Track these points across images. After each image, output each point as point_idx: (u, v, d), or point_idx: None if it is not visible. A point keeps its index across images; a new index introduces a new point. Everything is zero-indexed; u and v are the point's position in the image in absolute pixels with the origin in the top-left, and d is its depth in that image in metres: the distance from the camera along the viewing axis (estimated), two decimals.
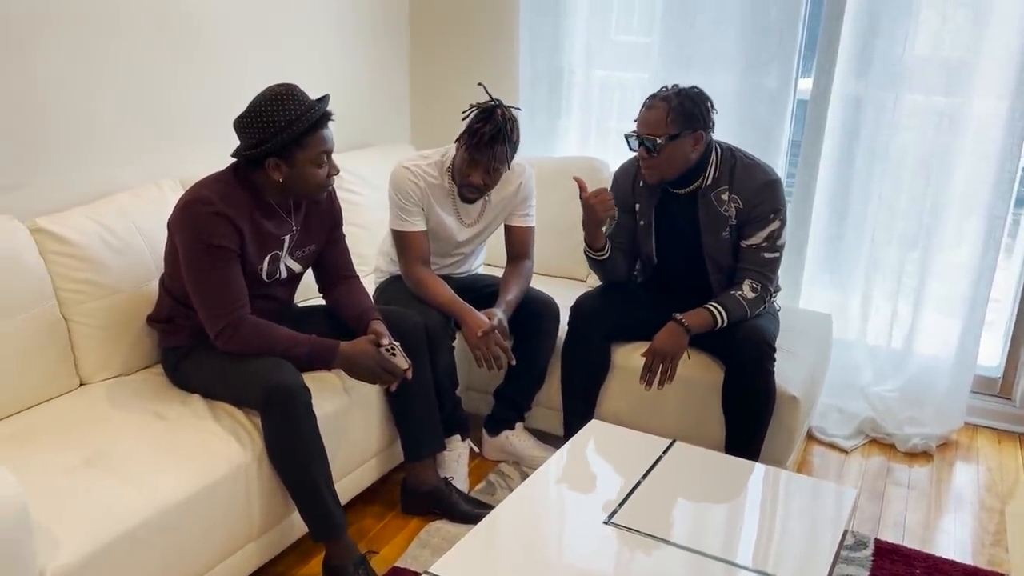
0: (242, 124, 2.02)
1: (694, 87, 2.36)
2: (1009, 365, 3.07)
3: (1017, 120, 2.72)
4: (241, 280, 2.05)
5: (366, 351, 2.10)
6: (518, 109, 2.49)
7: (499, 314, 2.44)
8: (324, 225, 2.29)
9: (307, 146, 2.01)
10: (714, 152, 2.42)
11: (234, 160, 2.10)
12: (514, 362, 2.44)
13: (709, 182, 2.41)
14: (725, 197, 2.40)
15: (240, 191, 2.05)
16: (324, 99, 2.06)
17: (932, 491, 2.70)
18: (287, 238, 2.17)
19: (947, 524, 2.52)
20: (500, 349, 2.39)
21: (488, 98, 2.42)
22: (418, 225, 2.52)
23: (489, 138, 2.34)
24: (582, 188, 2.41)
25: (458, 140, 2.44)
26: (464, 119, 2.42)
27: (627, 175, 2.58)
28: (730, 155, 2.43)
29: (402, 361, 2.13)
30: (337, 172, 2.12)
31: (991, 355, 3.13)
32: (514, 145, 2.42)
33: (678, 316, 2.36)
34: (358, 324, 2.25)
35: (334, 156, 2.12)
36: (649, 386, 2.37)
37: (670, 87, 2.36)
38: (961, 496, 2.67)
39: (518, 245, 2.68)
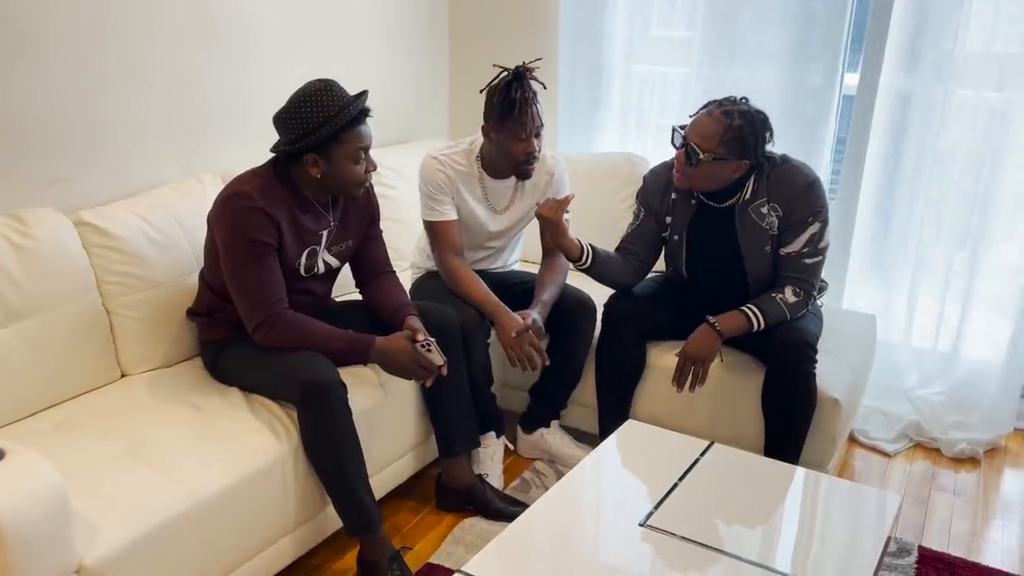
0: (281, 120, 2.02)
1: (761, 112, 2.24)
2: None
3: None
4: (279, 275, 2.06)
5: (402, 347, 2.09)
6: (538, 60, 2.46)
7: (534, 315, 2.42)
8: (362, 221, 2.29)
9: (344, 142, 2.01)
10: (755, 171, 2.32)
11: (273, 155, 2.11)
12: (548, 362, 2.42)
13: (748, 196, 2.33)
14: (765, 210, 2.31)
15: (279, 186, 2.06)
16: (362, 95, 2.06)
17: (979, 498, 2.63)
18: (325, 233, 2.17)
19: (994, 532, 2.45)
20: (534, 349, 2.37)
21: (501, 69, 2.40)
22: (449, 214, 2.51)
23: (526, 100, 2.34)
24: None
25: (493, 123, 2.40)
26: (488, 94, 2.41)
27: (659, 181, 2.48)
28: (768, 165, 2.32)
29: (437, 357, 2.12)
30: (375, 168, 2.12)
31: None
32: (539, 103, 2.41)
33: (711, 319, 2.31)
34: (394, 319, 2.25)
35: (372, 152, 2.12)
36: (680, 388, 2.34)
37: (739, 99, 2.24)
38: (1010, 504, 2.60)
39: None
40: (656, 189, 2.49)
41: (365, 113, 2.05)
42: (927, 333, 3.01)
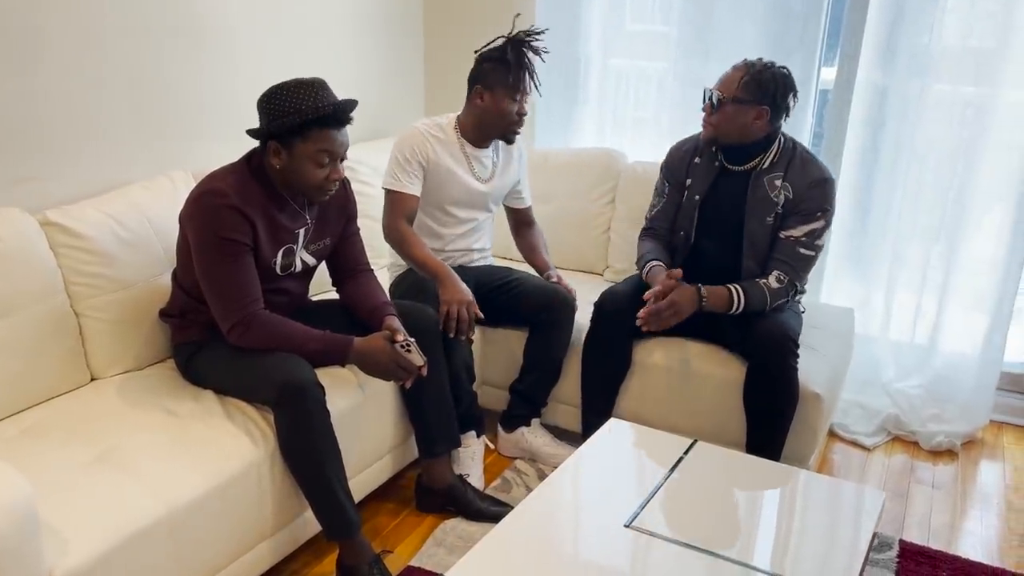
0: (261, 102, 1.98)
1: (785, 68, 2.36)
2: None
3: None
4: (254, 274, 2.01)
5: (381, 347, 2.06)
6: (546, 51, 2.51)
7: (556, 274, 2.67)
8: (339, 219, 2.25)
9: (309, 139, 1.96)
10: (779, 139, 2.41)
11: (250, 150, 2.06)
12: (472, 338, 2.45)
13: (766, 165, 2.39)
14: (778, 183, 2.38)
15: (254, 183, 2.02)
16: (348, 102, 2.00)
17: (957, 490, 2.64)
18: (301, 231, 2.13)
19: (973, 524, 2.46)
20: (468, 324, 2.34)
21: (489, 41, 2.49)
22: (412, 188, 2.51)
23: (519, 66, 2.43)
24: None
25: (488, 82, 2.46)
26: (482, 55, 2.49)
27: (682, 150, 2.58)
28: (791, 146, 2.42)
29: (417, 358, 2.09)
30: (339, 177, 2.04)
31: (1018, 351, 3.06)
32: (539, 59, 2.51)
33: (701, 287, 2.35)
34: (372, 319, 2.21)
35: (346, 164, 2.07)
36: (645, 324, 2.32)
37: (764, 59, 2.36)
38: (987, 496, 2.61)
39: (524, 215, 2.83)
40: (679, 156, 2.57)
41: (341, 119, 1.99)
42: (905, 327, 3.02)
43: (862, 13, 2.82)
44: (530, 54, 2.47)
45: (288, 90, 1.94)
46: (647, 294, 2.33)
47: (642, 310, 2.32)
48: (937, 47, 2.74)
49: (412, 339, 2.10)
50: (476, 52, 2.52)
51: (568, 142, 3.44)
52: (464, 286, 2.39)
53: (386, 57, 3.39)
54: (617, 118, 3.39)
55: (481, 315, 2.38)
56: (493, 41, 2.49)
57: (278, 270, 2.11)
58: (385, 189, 2.54)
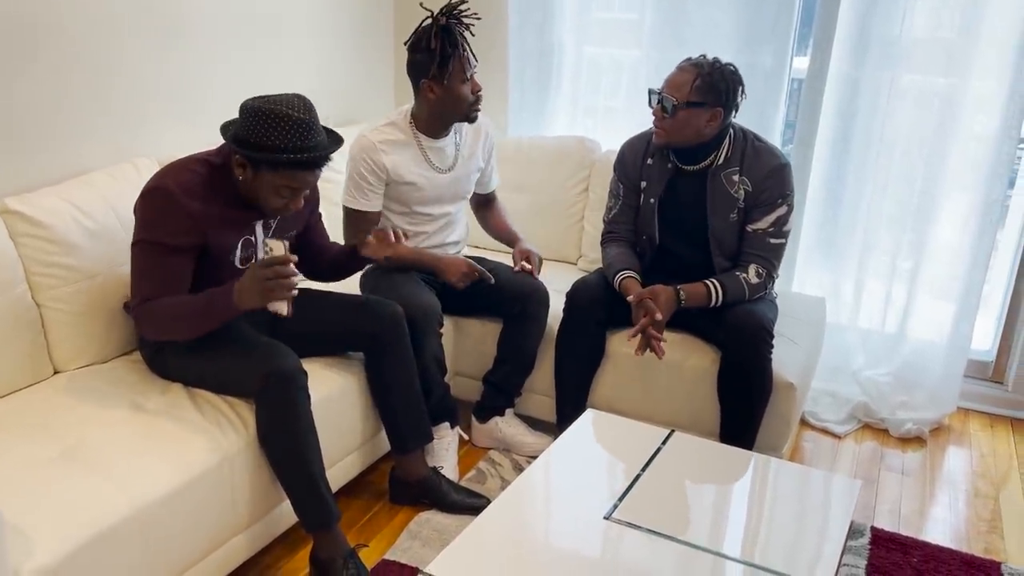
0: (246, 110, 1.88)
1: (732, 65, 2.32)
2: (1002, 349, 3.05)
3: (1015, 102, 2.67)
4: (177, 274, 1.93)
5: (249, 272, 1.83)
6: (476, 17, 2.43)
7: (530, 247, 2.64)
8: (302, 211, 2.19)
9: (278, 173, 1.88)
10: (730, 133, 2.38)
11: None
12: (492, 280, 2.47)
13: (720, 162, 2.37)
14: (736, 179, 2.36)
15: (216, 177, 1.95)
16: (331, 147, 1.92)
17: (926, 477, 2.67)
18: (260, 224, 2.07)
19: (942, 511, 2.50)
20: (481, 274, 2.43)
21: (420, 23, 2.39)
22: (371, 205, 2.48)
23: (457, 47, 2.35)
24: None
25: (432, 73, 2.36)
26: (412, 47, 2.39)
27: (635, 150, 2.52)
28: (742, 137, 2.40)
29: (277, 247, 1.83)
30: (297, 208, 1.98)
31: (983, 339, 3.11)
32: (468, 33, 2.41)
33: (678, 286, 2.34)
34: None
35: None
36: (639, 348, 2.33)
37: (710, 57, 2.32)
38: (955, 482, 2.65)
39: (487, 197, 2.83)
40: (632, 157, 2.52)
41: (317, 164, 1.91)
42: (874, 315, 3.05)
43: (835, 3, 2.83)
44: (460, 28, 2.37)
45: (275, 120, 1.83)
46: (631, 335, 2.33)
47: (633, 336, 2.32)
48: (908, 38, 2.76)
49: (277, 240, 1.88)
50: (405, 44, 2.41)
51: (541, 130, 3.41)
52: (450, 258, 2.48)
53: (356, 40, 3.33)
54: (590, 106, 3.37)
55: (480, 268, 2.44)
56: (420, 25, 2.37)
57: (238, 263, 2.05)
58: (345, 208, 2.51)
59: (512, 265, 2.62)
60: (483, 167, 2.70)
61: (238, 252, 2.04)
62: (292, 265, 1.79)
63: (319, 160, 1.90)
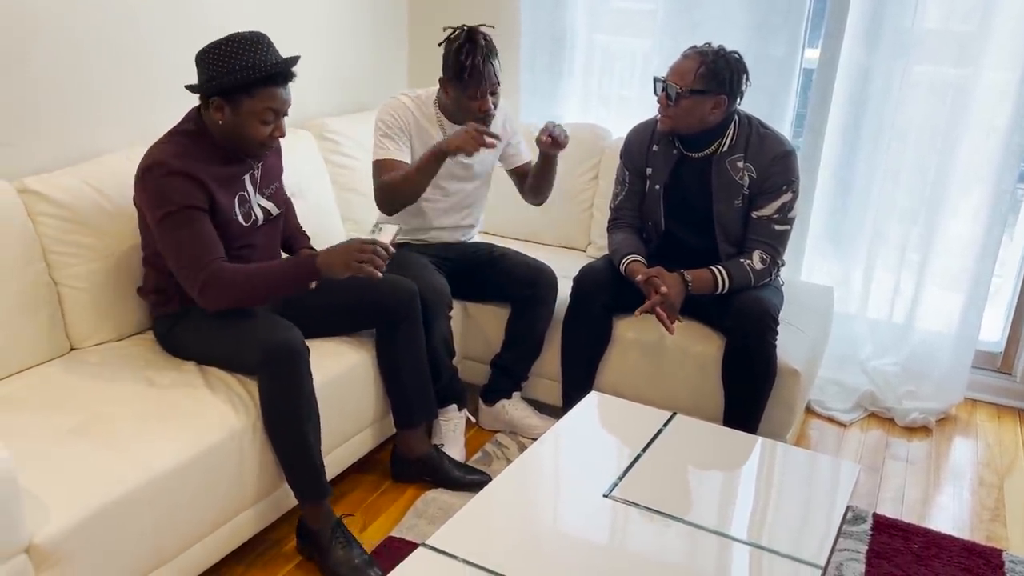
0: (202, 57, 1.96)
1: (736, 52, 2.33)
2: (1010, 340, 3.05)
3: None
4: (213, 234, 1.98)
5: (341, 244, 1.98)
6: (490, 27, 2.46)
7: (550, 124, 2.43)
8: (278, 163, 2.27)
9: (256, 97, 1.95)
10: (735, 120, 2.39)
11: (185, 114, 2.05)
12: (500, 139, 2.34)
13: (725, 148, 2.38)
14: (740, 165, 2.37)
15: (192, 142, 2.00)
16: (292, 59, 2.00)
17: (931, 466, 2.68)
18: (248, 178, 2.11)
19: (945, 499, 2.51)
20: (485, 131, 2.28)
21: (453, 29, 2.40)
22: (400, 154, 2.46)
23: (481, 62, 2.33)
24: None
25: (448, 78, 2.40)
26: (444, 49, 2.41)
27: (640, 137, 2.54)
28: (747, 123, 2.41)
29: (386, 235, 2.00)
30: (282, 135, 2.04)
31: (992, 330, 3.11)
32: (498, 58, 2.42)
33: (684, 272, 2.36)
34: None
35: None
36: (672, 326, 2.33)
37: (715, 45, 2.33)
38: (960, 471, 2.66)
39: (526, 168, 2.71)
40: (637, 144, 2.53)
41: (287, 76, 1.99)
42: (882, 305, 3.06)
43: None
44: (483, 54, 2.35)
45: (234, 45, 1.92)
46: (637, 311, 2.33)
47: (642, 311, 2.32)
48: (920, 28, 2.75)
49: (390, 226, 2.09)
50: (440, 44, 2.44)
51: (552, 116, 3.43)
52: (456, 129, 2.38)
53: (370, 27, 3.36)
54: (602, 94, 3.39)
55: (485, 128, 2.30)
56: (453, 32, 2.40)
57: (241, 220, 2.09)
58: (374, 162, 2.48)
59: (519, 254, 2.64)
60: (506, 145, 2.67)
61: (237, 209, 2.08)
62: (385, 253, 1.96)
63: (289, 69, 1.97)
